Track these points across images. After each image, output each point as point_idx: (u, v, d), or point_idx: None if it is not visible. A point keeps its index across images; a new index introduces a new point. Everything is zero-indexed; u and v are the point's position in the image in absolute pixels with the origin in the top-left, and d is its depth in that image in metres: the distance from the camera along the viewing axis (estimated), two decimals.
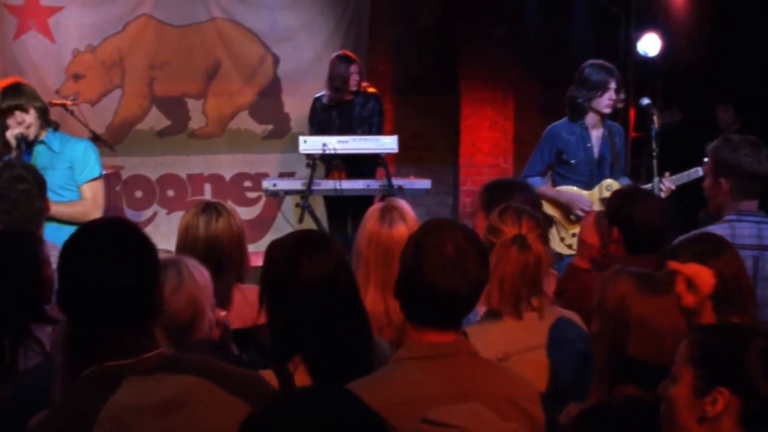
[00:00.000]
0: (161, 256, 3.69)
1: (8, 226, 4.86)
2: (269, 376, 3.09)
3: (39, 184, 5.09)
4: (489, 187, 4.99)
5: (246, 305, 4.22)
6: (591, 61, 7.22)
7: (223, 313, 3.83)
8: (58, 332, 3.60)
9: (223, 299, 4.15)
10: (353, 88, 8.90)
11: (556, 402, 3.42)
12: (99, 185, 6.25)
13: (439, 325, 2.93)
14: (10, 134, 5.97)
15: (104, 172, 6.51)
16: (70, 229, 5.72)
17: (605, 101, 7.10)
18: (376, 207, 4.47)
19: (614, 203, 4.76)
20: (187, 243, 4.36)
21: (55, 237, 5.16)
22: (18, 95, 6.02)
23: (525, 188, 5.02)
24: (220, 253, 4.32)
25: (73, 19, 10.56)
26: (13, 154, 5.96)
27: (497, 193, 4.76)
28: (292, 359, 3.17)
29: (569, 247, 7.02)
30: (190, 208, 4.50)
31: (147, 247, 2.67)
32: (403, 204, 4.50)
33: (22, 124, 5.97)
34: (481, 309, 3.88)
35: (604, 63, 7.16)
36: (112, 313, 2.56)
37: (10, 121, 5.99)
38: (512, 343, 3.71)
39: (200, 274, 3.65)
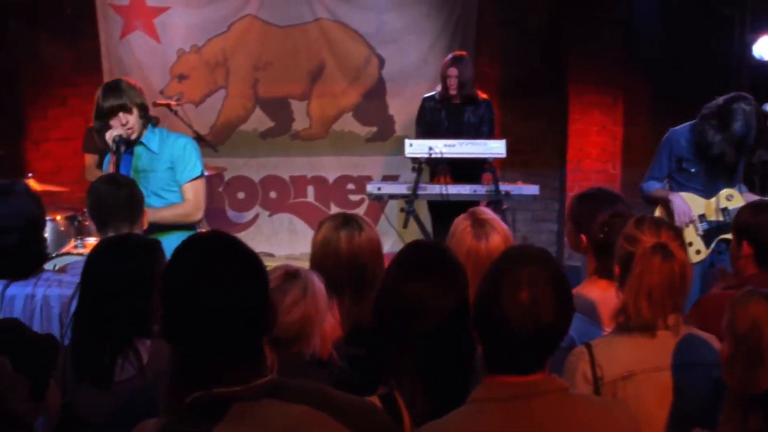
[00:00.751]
0: (291, 264, 3.56)
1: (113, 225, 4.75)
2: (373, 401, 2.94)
3: (137, 190, 4.95)
4: (579, 200, 4.72)
5: None
6: (744, 108, 6.61)
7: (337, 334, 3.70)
8: (157, 345, 3.49)
9: (367, 318, 3.99)
10: (452, 91, 8.72)
11: (682, 429, 3.22)
12: (200, 184, 6.05)
13: (512, 370, 2.72)
14: (109, 136, 5.84)
15: (206, 173, 6.37)
16: (173, 236, 5.69)
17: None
18: (465, 222, 4.15)
19: (743, 216, 4.53)
20: (327, 261, 4.09)
21: None
22: (120, 94, 5.85)
23: (615, 199, 4.71)
24: (364, 271, 4.06)
25: (178, 19, 10.65)
26: (112, 157, 5.85)
27: (586, 207, 4.52)
28: (385, 379, 3.02)
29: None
30: (324, 222, 4.23)
31: (256, 263, 2.49)
32: (491, 213, 4.24)
33: (126, 125, 5.85)
34: (612, 323, 3.67)
35: (755, 119, 6.66)
36: (222, 339, 2.40)
37: (114, 122, 5.87)
38: (640, 361, 3.49)
39: (322, 296, 3.51)
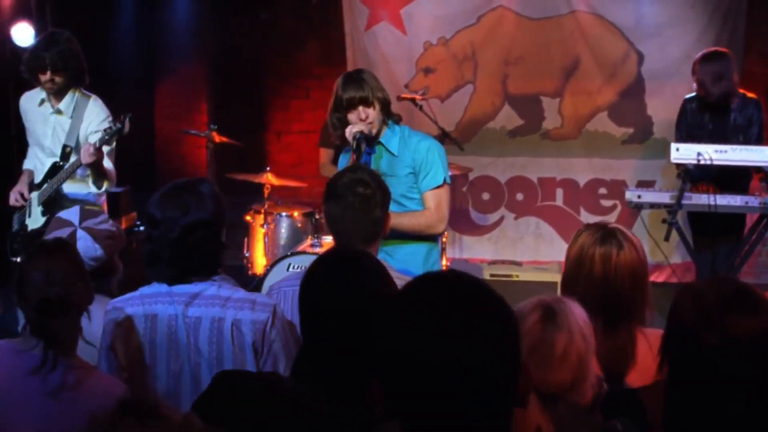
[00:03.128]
0: (542, 297, 2.96)
1: (343, 237, 4.29)
2: None
3: (383, 192, 4.39)
4: None
5: (651, 355, 3.31)
6: None
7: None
8: None
9: (623, 353, 3.47)
10: (699, 92, 7.88)
11: None
12: (444, 193, 5.53)
13: None
14: (349, 132, 5.39)
15: (451, 175, 5.85)
16: (408, 247, 5.23)
17: None
18: None
19: None
20: (578, 280, 3.61)
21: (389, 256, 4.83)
22: (362, 86, 5.43)
23: None
24: (620, 297, 3.54)
25: (426, 10, 10.47)
26: (351, 156, 5.39)
27: None
28: None
29: None
30: (581, 233, 3.70)
31: (506, 318, 1.93)
32: None
33: (365, 119, 5.39)
34: None
35: None
36: (457, 416, 1.84)
37: (352, 116, 5.41)
38: None
39: (586, 323, 2.92)
